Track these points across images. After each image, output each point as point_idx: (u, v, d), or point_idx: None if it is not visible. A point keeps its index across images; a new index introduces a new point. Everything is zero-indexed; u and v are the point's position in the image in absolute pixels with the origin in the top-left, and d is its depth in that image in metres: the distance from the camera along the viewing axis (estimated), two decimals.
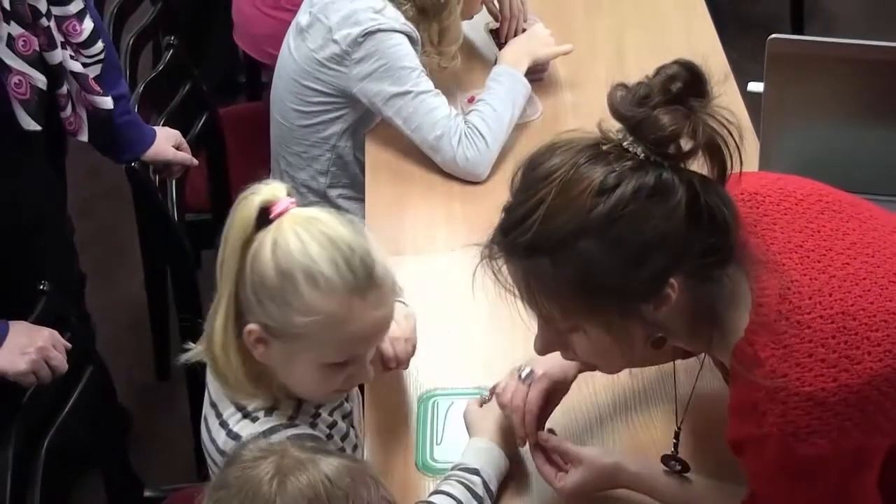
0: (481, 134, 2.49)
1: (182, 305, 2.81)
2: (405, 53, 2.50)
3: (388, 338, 1.87)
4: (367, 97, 2.54)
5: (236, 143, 3.09)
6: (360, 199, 2.59)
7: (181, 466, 2.89)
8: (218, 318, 1.67)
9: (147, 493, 2.41)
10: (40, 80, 2.20)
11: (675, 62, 1.49)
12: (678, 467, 1.74)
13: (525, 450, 1.87)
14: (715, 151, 1.47)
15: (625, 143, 1.47)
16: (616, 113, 1.48)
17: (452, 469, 1.82)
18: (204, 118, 2.92)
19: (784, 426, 1.48)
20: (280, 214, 1.61)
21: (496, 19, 2.82)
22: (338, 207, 2.58)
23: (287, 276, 1.59)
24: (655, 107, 1.45)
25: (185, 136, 2.76)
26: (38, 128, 2.21)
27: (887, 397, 1.48)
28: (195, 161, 2.70)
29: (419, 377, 2.07)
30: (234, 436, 1.70)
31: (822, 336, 1.48)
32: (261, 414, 1.70)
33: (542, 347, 1.62)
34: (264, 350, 1.65)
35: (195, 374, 2.71)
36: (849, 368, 1.46)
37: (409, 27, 2.51)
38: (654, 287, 1.48)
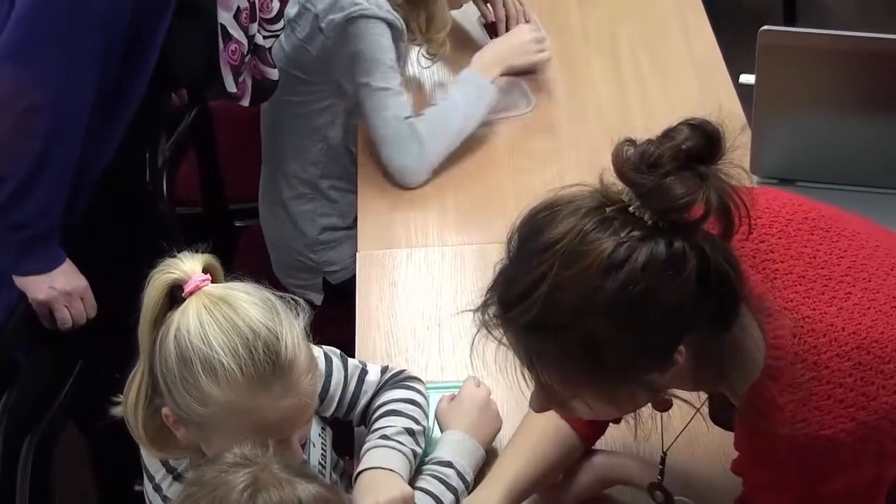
0: (420, 140, 2.46)
1: None
2: (380, 45, 2.48)
3: None
4: (346, 83, 2.54)
5: (227, 136, 3.07)
6: (352, 191, 2.58)
7: None
8: (133, 389, 1.62)
9: (137, 488, 2.39)
10: (246, 47, 2.42)
11: (687, 124, 1.38)
12: (662, 498, 1.72)
13: (499, 438, 1.87)
14: (725, 212, 1.38)
15: (631, 208, 1.37)
16: (623, 177, 1.38)
17: (426, 464, 1.81)
18: (195, 111, 2.90)
19: (805, 471, 1.46)
20: (191, 293, 1.54)
21: (486, 18, 2.81)
22: (329, 198, 2.59)
23: (186, 364, 1.52)
24: (666, 174, 1.35)
25: (174, 129, 2.74)
26: (236, 89, 2.44)
27: None
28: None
29: (408, 371, 2.05)
30: (169, 502, 1.66)
31: (840, 376, 1.44)
32: (191, 474, 1.62)
33: (539, 407, 1.54)
34: (185, 431, 1.59)
35: None
36: (866, 406, 1.44)
37: (394, 16, 2.50)
38: (663, 358, 1.42)
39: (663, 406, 1.55)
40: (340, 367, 1.85)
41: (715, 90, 2.61)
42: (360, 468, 1.76)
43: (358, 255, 2.36)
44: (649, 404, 1.54)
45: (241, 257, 2.96)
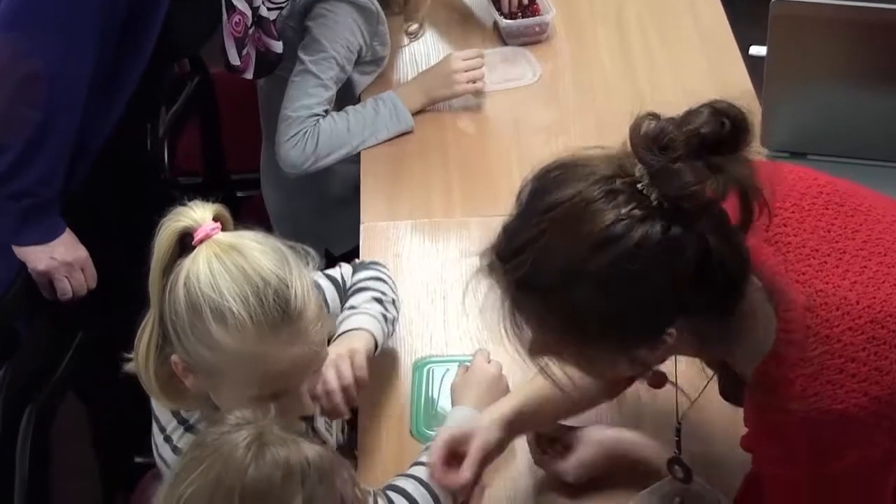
0: (317, 141, 2.48)
1: None
2: (335, 34, 2.51)
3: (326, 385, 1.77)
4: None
5: (229, 104, 3.04)
6: (354, 161, 2.55)
7: None
8: (143, 340, 1.61)
9: (138, 459, 2.38)
10: (250, 19, 2.42)
11: (710, 107, 1.34)
12: (681, 475, 1.69)
13: None
14: (743, 202, 1.35)
15: (640, 185, 1.34)
16: (636, 152, 1.35)
17: (434, 439, 1.78)
18: (196, 80, 2.88)
19: (815, 447, 1.44)
20: (201, 240, 1.53)
21: None
22: (330, 169, 2.56)
23: (196, 311, 1.51)
24: (676, 159, 1.32)
25: (176, 98, 2.72)
26: (240, 62, 2.44)
27: None
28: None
29: (413, 344, 2.04)
30: (178, 452, 1.64)
31: (853, 349, 1.42)
32: (203, 426, 1.63)
33: (530, 355, 1.49)
34: (193, 380, 1.58)
35: None
36: (879, 381, 1.41)
37: None
38: (652, 337, 1.40)
39: (656, 382, 1.53)
40: (333, 292, 1.94)
41: (723, 62, 2.57)
42: (335, 336, 1.83)
43: (361, 226, 2.33)
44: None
45: (243, 228, 2.94)
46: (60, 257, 2.27)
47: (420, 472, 1.72)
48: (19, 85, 2.17)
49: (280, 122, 2.51)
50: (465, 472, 1.69)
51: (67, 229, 2.30)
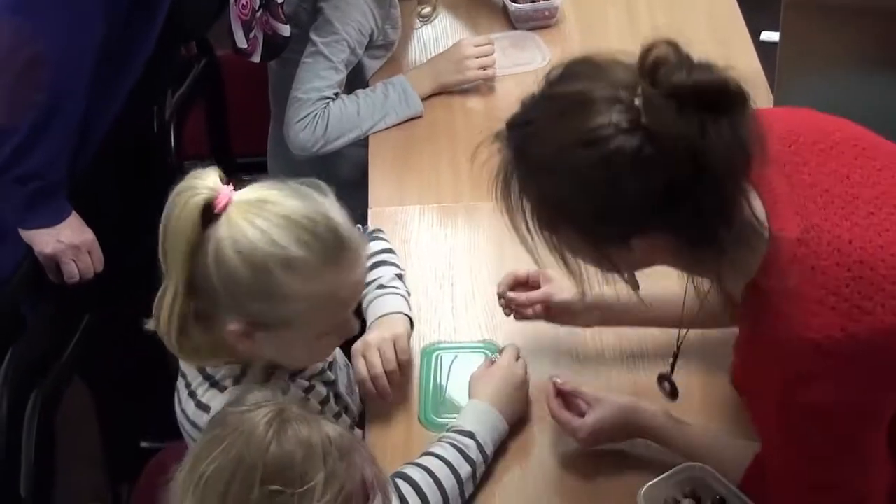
0: (326, 124, 2.47)
1: None
2: (348, 16, 2.49)
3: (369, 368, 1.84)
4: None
5: (236, 87, 3.02)
6: (362, 146, 2.53)
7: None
8: (164, 310, 1.59)
9: (144, 444, 2.38)
10: (258, 2, 2.41)
11: (721, 71, 1.38)
12: (669, 389, 1.74)
13: (528, 420, 1.84)
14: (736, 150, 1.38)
15: (636, 101, 1.37)
16: (640, 70, 1.39)
17: (447, 430, 1.77)
18: (203, 62, 2.86)
19: (787, 372, 1.45)
20: (225, 206, 1.52)
21: None
22: (338, 153, 2.54)
23: (261, 270, 1.51)
24: (669, 96, 1.35)
25: (182, 81, 2.70)
26: (247, 45, 2.43)
27: None
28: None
29: (422, 330, 2.02)
30: (203, 406, 1.65)
31: (836, 284, 1.43)
32: (229, 383, 1.64)
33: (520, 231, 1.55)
34: (250, 343, 1.58)
35: None
36: (859, 319, 1.42)
37: None
38: (615, 242, 1.44)
39: (633, 284, 1.54)
40: None
41: (734, 47, 2.56)
42: (372, 318, 1.88)
43: (370, 211, 2.31)
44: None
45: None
46: (67, 240, 2.26)
47: (430, 462, 1.71)
48: (24, 68, 2.15)
49: (290, 104, 2.49)
50: None
51: (74, 212, 2.28)
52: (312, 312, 1.56)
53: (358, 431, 1.82)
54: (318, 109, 2.47)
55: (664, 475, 1.69)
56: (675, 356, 1.76)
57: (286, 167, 2.71)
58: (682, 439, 1.73)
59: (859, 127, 1.61)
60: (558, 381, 1.80)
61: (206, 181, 1.53)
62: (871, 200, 1.50)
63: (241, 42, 2.43)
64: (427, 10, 2.71)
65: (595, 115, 1.39)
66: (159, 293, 1.61)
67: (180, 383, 1.71)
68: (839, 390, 1.44)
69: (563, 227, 1.46)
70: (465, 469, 1.72)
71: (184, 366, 1.70)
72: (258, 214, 1.52)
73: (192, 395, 1.67)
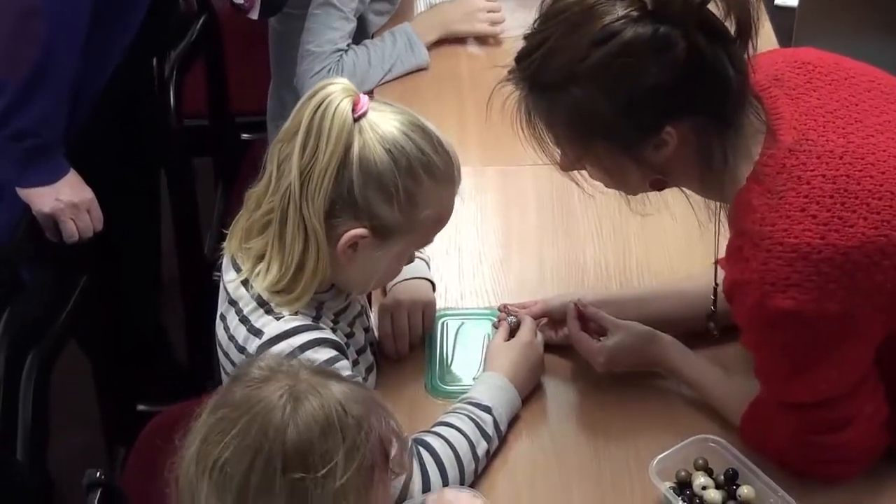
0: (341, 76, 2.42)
1: (181, 217, 2.70)
2: None
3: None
4: None
5: (235, 45, 2.97)
6: None
7: (173, 381, 2.82)
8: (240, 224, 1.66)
9: (140, 408, 2.34)
10: None
11: None
12: (716, 332, 1.77)
13: (539, 392, 1.82)
14: (742, 16, 1.46)
15: None
16: None
17: (462, 402, 1.74)
18: (202, 19, 2.80)
19: (764, 274, 1.47)
20: (366, 111, 1.58)
21: None
22: None
23: (406, 171, 1.58)
24: None
25: (181, 39, 2.65)
26: (244, 1, 2.43)
27: (879, 268, 1.46)
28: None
29: None
30: (255, 331, 1.64)
31: (820, 194, 1.47)
32: (285, 312, 1.64)
33: (563, 166, 1.63)
34: (352, 253, 1.62)
35: (191, 283, 2.64)
36: (839, 229, 1.45)
37: None
38: (647, 135, 1.49)
39: (658, 186, 1.58)
40: None
41: None
42: (398, 279, 1.88)
43: None
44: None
45: (248, 171, 2.87)
46: (66, 199, 2.22)
47: (450, 433, 1.68)
48: (17, 21, 2.11)
49: (303, 57, 2.44)
50: None
51: (72, 170, 2.24)
52: (430, 224, 1.65)
53: None
54: (332, 63, 2.42)
55: (675, 447, 1.66)
56: (715, 291, 1.75)
57: None
58: (694, 372, 1.76)
59: (881, 72, 1.63)
60: (581, 302, 1.82)
61: (342, 84, 1.59)
62: (874, 126, 1.52)
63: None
64: None
65: (602, 16, 1.45)
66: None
67: (228, 312, 1.68)
68: (818, 302, 1.46)
69: (595, 141, 1.52)
70: (482, 445, 1.69)
71: (235, 295, 1.68)
72: (396, 119, 1.60)
73: (244, 320, 1.65)
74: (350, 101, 1.57)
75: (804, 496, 1.61)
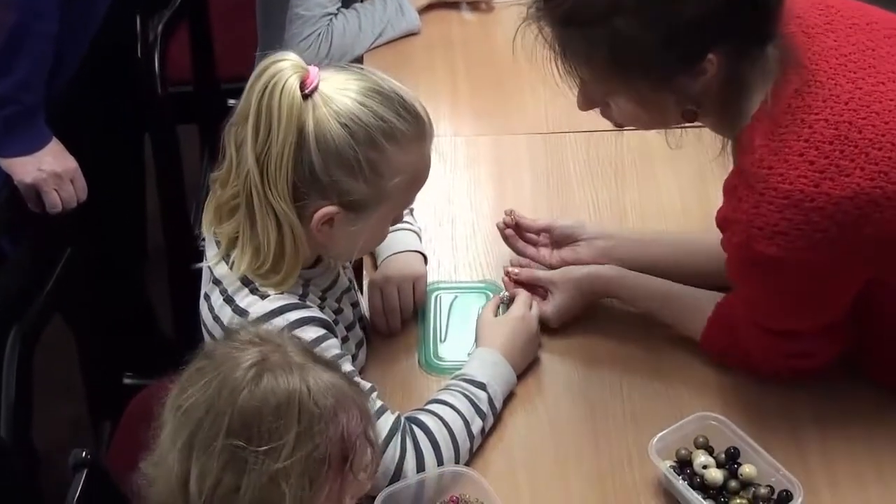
0: (329, 43, 2.38)
1: (166, 186, 2.65)
2: None
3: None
4: None
5: (221, 10, 2.92)
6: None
7: (159, 353, 2.77)
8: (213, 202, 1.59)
9: (126, 381, 2.30)
10: None
11: None
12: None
13: (536, 368, 1.78)
14: None
15: None
16: None
17: (456, 378, 1.70)
18: None
19: (753, 217, 1.47)
20: (317, 85, 1.51)
21: None
22: None
23: (367, 142, 1.52)
24: None
25: (165, 4, 2.58)
26: None
27: (869, 221, 1.45)
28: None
29: None
30: (240, 311, 1.59)
31: (820, 139, 1.45)
32: (270, 291, 1.59)
33: (582, 105, 1.61)
34: (328, 231, 1.57)
35: (177, 252, 2.60)
36: (835, 178, 1.44)
37: None
38: (691, 62, 1.47)
39: (689, 117, 1.56)
40: None
41: None
42: (385, 253, 1.86)
43: None
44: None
45: None
46: (49, 168, 2.16)
47: (444, 411, 1.64)
48: None
49: (291, 22, 2.38)
50: None
51: (55, 139, 2.19)
52: (404, 188, 1.58)
53: None
54: (322, 28, 2.37)
55: (675, 425, 1.64)
56: None
57: None
58: (646, 289, 1.78)
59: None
60: (513, 270, 1.83)
61: (290, 59, 1.52)
62: (887, 73, 1.51)
63: None
64: None
65: None
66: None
67: (212, 292, 1.64)
68: (798, 248, 1.46)
69: (633, 73, 1.48)
70: (476, 423, 1.65)
71: (219, 273, 1.63)
72: (351, 89, 1.52)
73: (228, 300, 1.61)
74: (298, 78, 1.50)
75: (806, 473, 1.59)
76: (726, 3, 1.43)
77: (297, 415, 1.26)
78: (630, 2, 1.43)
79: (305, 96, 1.51)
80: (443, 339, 1.84)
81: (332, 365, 1.37)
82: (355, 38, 2.39)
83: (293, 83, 1.49)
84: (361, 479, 1.33)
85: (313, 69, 1.53)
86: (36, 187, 2.17)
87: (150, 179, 2.83)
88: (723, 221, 1.57)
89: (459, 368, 1.73)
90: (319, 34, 2.36)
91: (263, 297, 1.59)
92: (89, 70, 2.30)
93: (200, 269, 1.70)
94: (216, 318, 1.62)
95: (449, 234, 2.02)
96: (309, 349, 1.37)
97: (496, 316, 1.80)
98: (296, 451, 1.25)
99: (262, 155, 1.51)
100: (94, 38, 2.28)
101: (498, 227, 1.90)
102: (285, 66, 1.51)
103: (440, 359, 1.81)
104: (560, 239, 1.88)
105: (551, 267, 1.86)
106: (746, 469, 1.59)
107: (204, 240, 1.70)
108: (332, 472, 1.28)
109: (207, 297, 1.65)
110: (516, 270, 1.84)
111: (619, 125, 1.65)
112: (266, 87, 1.50)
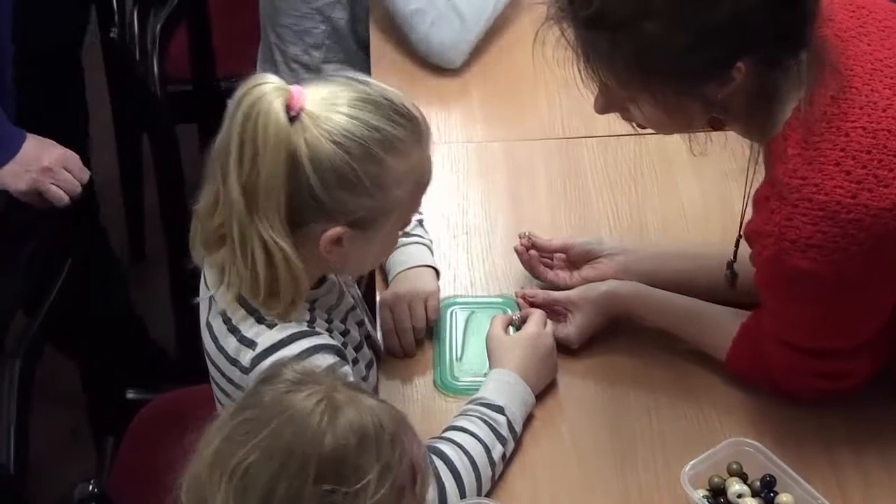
0: (459, 13, 2.27)
1: (166, 187, 2.58)
2: None
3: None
4: None
5: (219, 8, 2.86)
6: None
7: (161, 363, 2.72)
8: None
9: (130, 395, 2.23)
10: None
11: None
12: (732, 278, 1.71)
13: (553, 390, 1.72)
14: None
15: None
16: None
17: (472, 402, 1.63)
18: None
19: (786, 230, 1.43)
20: (302, 106, 1.44)
21: None
22: None
23: (369, 159, 1.46)
24: None
25: (164, 2, 2.52)
26: None
27: None
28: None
29: None
30: (247, 342, 1.53)
31: (857, 148, 1.42)
32: (277, 320, 1.53)
33: (601, 109, 1.57)
34: (339, 250, 1.52)
35: (176, 254, 2.53)
36: (873, 189, 1.40)
37: None
38: (719, 70, 1.43)
39: (715, 124, 1.51)
40: None
41: None
42: (397, 268, 1.81)
43: None
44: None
45: None
46: (36, 166, 2.08)
47: (463, 439, 1.58)
48: None
49: (411, 22, 2.28)
50: None
51: (29, 135, 2.10)
52: (409, 194, 1.54)
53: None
54: (442, 2, 2.26)
55: (708, 452, 1.58)
56: (738, 242, 1.68)
57: None
58: (666, 306, 1.73)
59: None
60: (527, 293, 1.79)
61: (271, 84, 1.45)
62: None
63: None
64: None
65: None
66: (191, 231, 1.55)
67: (215, 319, 1.57)
68: (839, 264, 1.42)
69: (658, 78, 1.44)
70: (497, 449, 1.59)
71: (222, 302, 1.56)
72: (339, 103, 1.47)
73: (233, 330, 1.54)
74: (282, 101, 1.44)
75: (844, 500, 1.54)
76: (761, 7, 1.39)
77: (375, 448, 1.22)
78: (660, 4, 1.39)
79: (292, 119, 1.44)
80: (459, 357, 1.78)
81: (370, 392, 1.34)
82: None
83: (278, 107, 1.43)
84: (426, 500, 1.30)
85: (296, 88, 1.46)
86: (34, 189, 2.09)
87: (149, 179, 2.78)
88: (753, 234, 1.52)
89: (477, 388, 1.66)
90: (441, 15, 2.27)
91: (271, 326, 1.53)
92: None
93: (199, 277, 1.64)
94: (220, 349, 1.56)
95: (464, 246, 1.95)
96: (348, 381, 1.33)
97: (507, 335, 1.73)
98: (380, 485, 1.21)
99: (247, 186, 1.44)
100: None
101: (516, 251, 1.84)
102: (267, 90, 1.44)
103: (457, 378, 1.75)
104: (578, 258, 1.82)
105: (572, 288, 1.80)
106: (783, 498, 1.53)
107: (198, 274, 1.63)
108: (408, 497, 1.25)
109: (209, 327, 1.59)
110: (532, 292, 1.79)
111: (640, 128, 1.59)
112: (248, 115, 1.43)
